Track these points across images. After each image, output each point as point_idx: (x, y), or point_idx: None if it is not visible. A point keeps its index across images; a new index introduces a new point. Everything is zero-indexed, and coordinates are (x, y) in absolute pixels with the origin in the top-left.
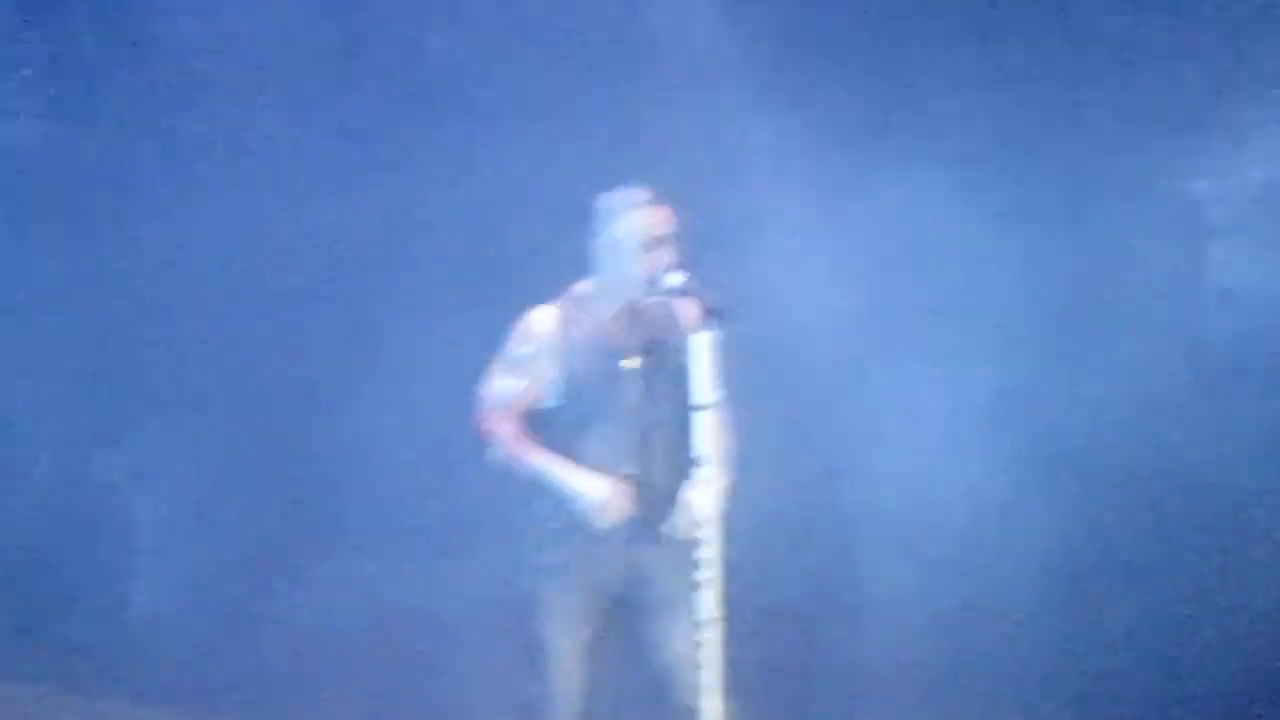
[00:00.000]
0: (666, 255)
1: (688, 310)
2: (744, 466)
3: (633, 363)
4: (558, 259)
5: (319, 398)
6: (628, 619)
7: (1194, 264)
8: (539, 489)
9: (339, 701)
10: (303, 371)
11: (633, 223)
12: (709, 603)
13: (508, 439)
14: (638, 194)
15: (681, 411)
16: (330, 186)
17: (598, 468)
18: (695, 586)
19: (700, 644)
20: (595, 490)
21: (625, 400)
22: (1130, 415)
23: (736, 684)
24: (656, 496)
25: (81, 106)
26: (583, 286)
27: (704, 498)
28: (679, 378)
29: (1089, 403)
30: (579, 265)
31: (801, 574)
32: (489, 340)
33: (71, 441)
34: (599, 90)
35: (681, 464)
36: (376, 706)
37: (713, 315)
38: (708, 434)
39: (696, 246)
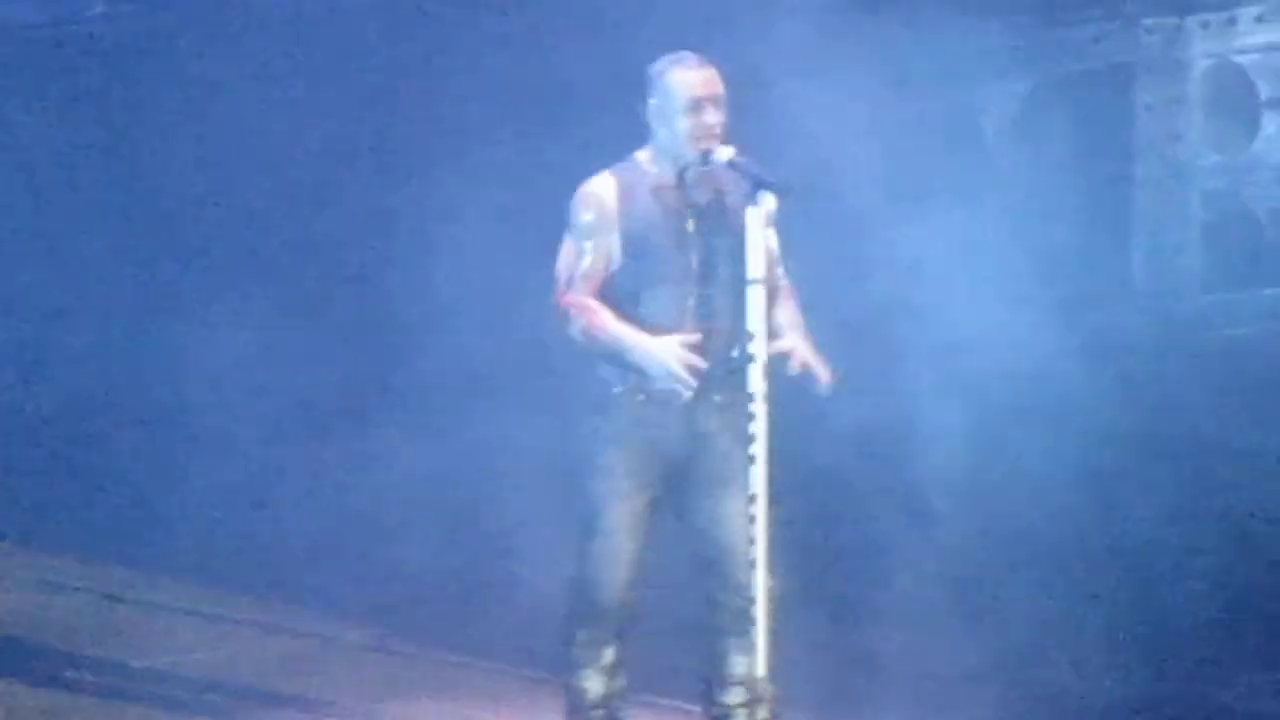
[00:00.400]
0: (713, 115)
1: (742, 182)
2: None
3: (691, 225)
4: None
5: (393, 259)
6: (684, 488)
7: None
8: (609, 355)
9: (388, 558)
10: (382, 235)
11: (679, 81)
12: (759, 476)
13: (583, 310)
14: (685, 55)
15: (740, 282)
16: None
17: (658, 330)
18: (747, 461)
19: (751, 517)
20: (665, 353)
21: (683, 263)
22: None
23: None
24: (715, 364)
25: None
26: (641, 152)
27: (755, 370)
28: (738, 246)
29: None
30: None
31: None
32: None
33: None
34: None
35: (741, 333)
36: (427, 564)
37: (765, 189)
38: (758, 308)
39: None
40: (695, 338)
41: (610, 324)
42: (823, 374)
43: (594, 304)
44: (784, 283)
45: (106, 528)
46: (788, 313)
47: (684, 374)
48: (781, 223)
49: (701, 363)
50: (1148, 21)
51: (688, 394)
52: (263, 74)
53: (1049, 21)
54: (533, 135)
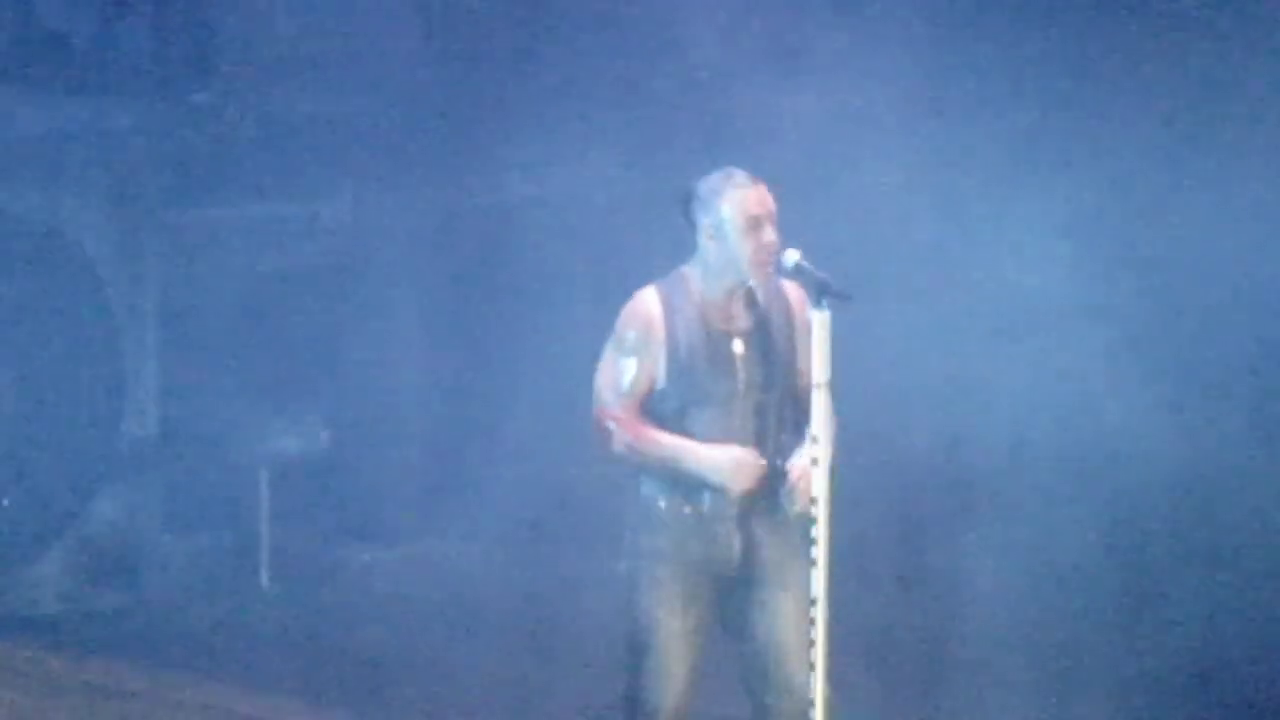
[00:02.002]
0: (770, 234)
1: (797, 290)
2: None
3: (741, 343)
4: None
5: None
6: (733, 599)
7: None
8: (650, 472)
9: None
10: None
11: (735, 202)
12: (819, 581)
13: (626, 427)
14: (736, 173)
15: (785, 394)
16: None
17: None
18: (807, 564)
19: (811, 622)
20: (728, 456)
21: (729, 383)
22: None
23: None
24: (769, 476)
25: None
26: (687, 269)
27: (816, 476)
28: (783, 360)
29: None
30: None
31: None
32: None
33: None
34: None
35: (789, 444)
36: (485, 681)
37: (827, 294)
38: (820, 412)
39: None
40: (752, 447)
41: (660, 437)
42: (797, 501)
43: (636, 420)
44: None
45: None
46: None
47: (749, 475)
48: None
49: (763, 463)
50: None
51: (738, 492)
52: None
53: None
54: None
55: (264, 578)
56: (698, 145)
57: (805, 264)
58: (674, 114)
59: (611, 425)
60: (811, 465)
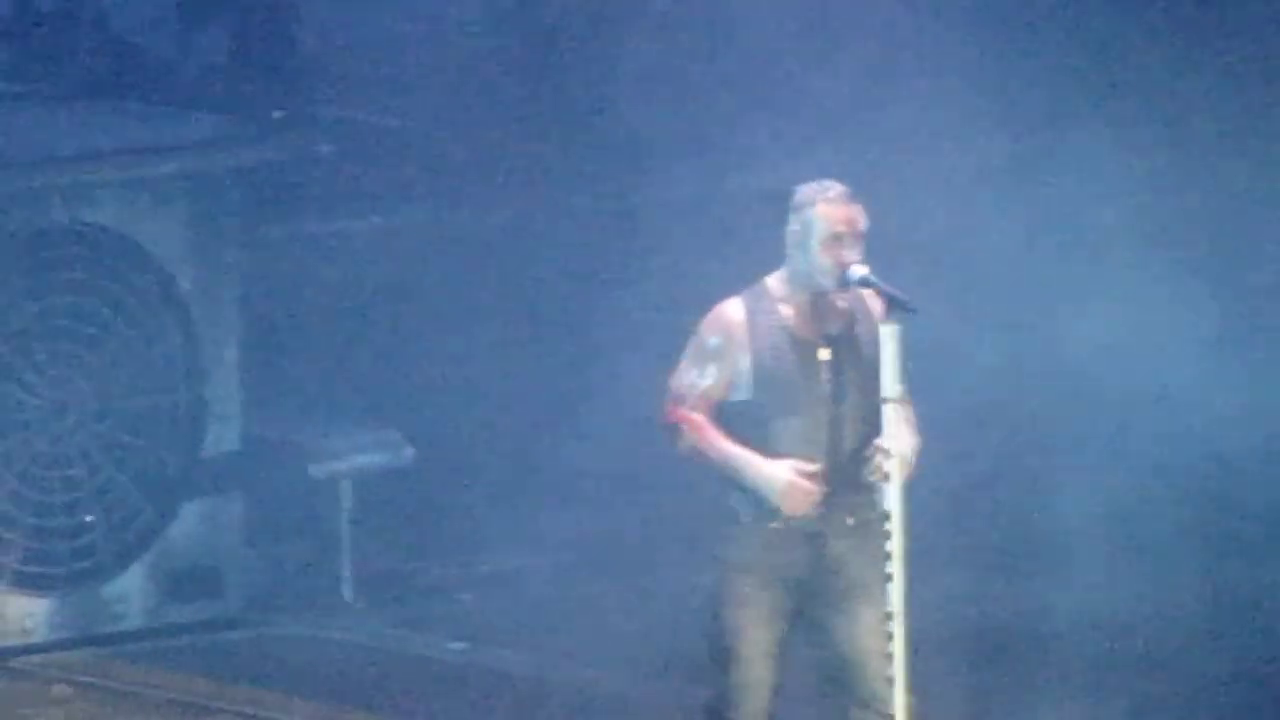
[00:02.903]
0: (853, 251)
1: (875, 303)
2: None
3: (824, 354)
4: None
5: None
6: (816, 612)
7: None
8: (730, 482)
9: None
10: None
11: (822, 214)
12: (896, 594)
13: (696, 428)
14: (832, 187)
15: (869, 404)
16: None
17: (787, 459)
18: (884, 578)
19: (889, 635)
20: (783, 476)
21: (815, 392)
22: None
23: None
24: (845, 488)
25: None
26: (772, 278)
27: (892, 489)
28: (868, 370)
29: None
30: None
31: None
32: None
33: None
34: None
35: (869, 456)
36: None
37: (898, 308)
38: (894, 426)
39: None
40: (813, 466)
41: (721, 442)
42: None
43: (703, 421)
44: (907, 399)
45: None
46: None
47: (799, 498)
48: None
49: (815, 487)
50: None
51: (804, 522)
52: None
53: None
54: None
55: (347, 591)
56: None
57: (872, 278)
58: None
59: (681, 424)
60: (884, 480)
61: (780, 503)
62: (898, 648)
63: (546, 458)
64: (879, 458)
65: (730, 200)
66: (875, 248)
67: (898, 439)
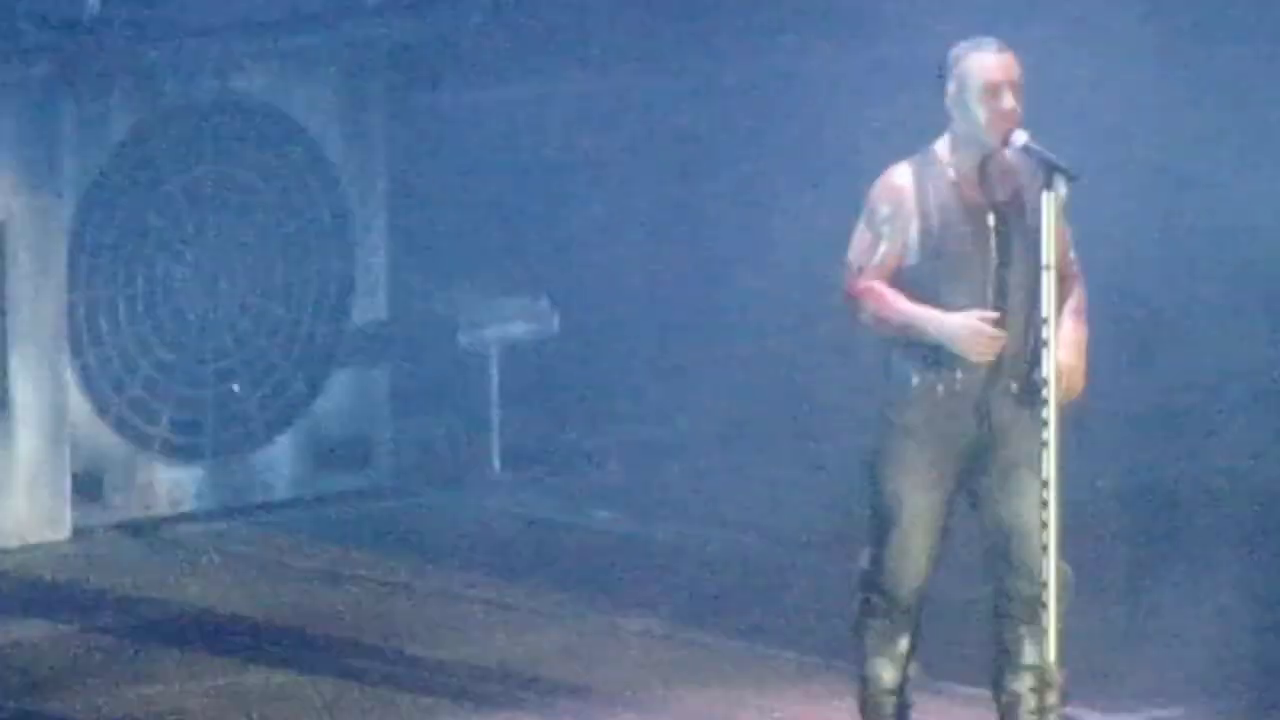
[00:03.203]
0: (1010, 101)
1: (1037, 168)
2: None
3: (991, 219)
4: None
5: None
6: (979, 478)
7: None
8: (899, 346)
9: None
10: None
11: (977, 66)
12: (1051, 462)
13: (875, 296)
14: (984, 40)
15: (1035, 270)
16: None
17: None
18: (1040, 446)
19: (1044, 503)
20: (968, 323)
21: (982, 258)
22: None
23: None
24: (1013, 354)
25: None
26: (938, 143)
27: (1049, 357)
28: (1034, 235)
29: None
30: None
31: None
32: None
33: None
34: None
35: (1036, 322)
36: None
37: (1058, 175)
38: (1052, 294)
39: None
40: (993, 314)
41: (902, 303)
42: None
43: (883, 288)
44: (1074, 269)
45: (384, 517)
46: (1073, 303)
47: (985, 343)
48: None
49: (1001, 333)
50: None
51: (987, 360)
52: None
53: None
54: None
55: (494, 461)
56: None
57: (1034, 145)
58: None
59: (860, 297)
60: (1042, 346)
61: (965, 349)
62: (1052, 516)
63: (697, 329)
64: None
65: (874, 71)
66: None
67: (1057, 307)
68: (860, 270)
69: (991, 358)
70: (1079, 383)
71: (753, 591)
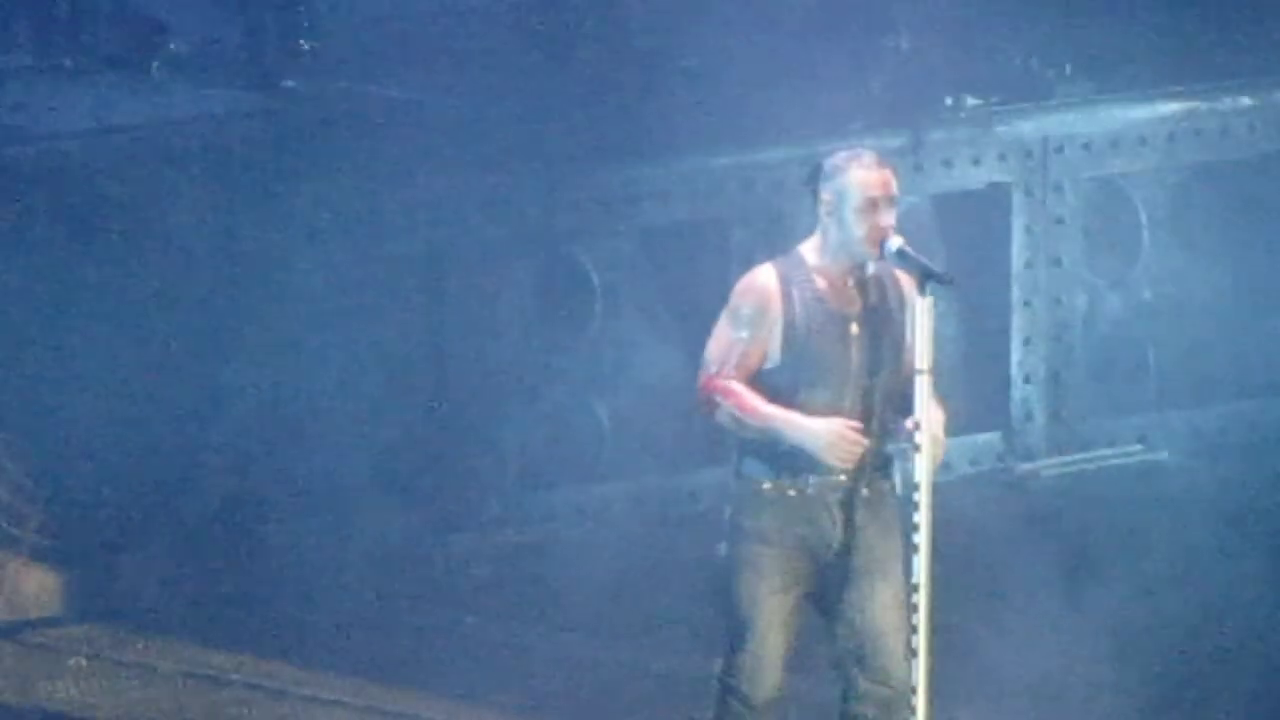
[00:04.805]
0: (887, 217)
1: (907, 276)
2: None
3: (855, 329)
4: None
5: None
6: (832, 582)
7: None
8: (752, 452)
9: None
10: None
11: (857, 181)
12: (922, 567)
13: (733, 395)
14: (862, 154)
15: (896, 377)
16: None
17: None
18: (909, 550)
19: (913, 608)
20: (832, 427)
21: (844, 365)
22: None
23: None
24: (869, 459)
25: None
26: (805, 246)
27: (922, 460)
28: (897, 343)
29: None
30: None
31: None
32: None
33: None
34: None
35: (895, 429)
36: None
37: (933, 281)
38: (925, 399)
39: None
40: (857, 422)
41: (762, 404)
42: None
43: (741, 387)
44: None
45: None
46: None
47: (847, 450)
48: None
49: (863, 440)
50: None
51: (849, 466)
52: None
53: None
54: None
55: None
56: None
57: (908, 250)
58: None
59: (717, 395)
60: (914, 451)
61: (827, 455)
62: (923, 620)
63: None
64: (911, 428)
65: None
66: None
67: (930, 415)
68: (719, 368)
69: (853, 464)
70: (939, 454)
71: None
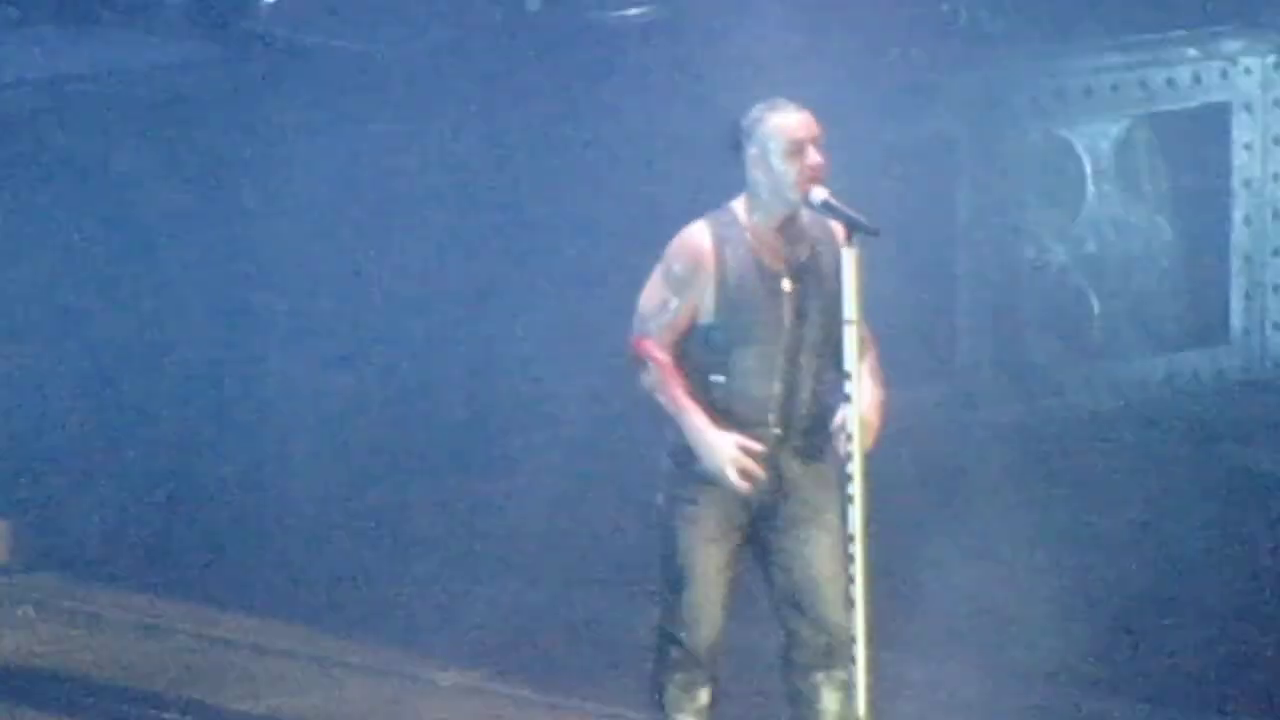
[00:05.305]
0: (811, 159)
1: (837, 227)
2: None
3: (788, 285)
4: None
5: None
6: (768, 533)
7: None
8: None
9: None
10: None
11: (778, 126)
12: (857, 518)
13: (658, 368)
14: (780, 102)
15: (829, 331)
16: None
17: (747, 385)
18: (845, 501)
19: (850, 558)
20: (726, 451)
21: (776, 321)
22: None
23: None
24: (800, 414)
25: None
26: (737, 203)
27: (854, 408)
28: (830, 296)
29: None
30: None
31: None
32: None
33: None
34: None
35: (828, 381)
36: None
37: (859, 231)
38: (852, 349)
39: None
40: (757, 447)
41: (680, 396)
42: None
43: (670, 364)
44: (867, 332)
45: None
46: (869, 363)
47: (734, 476)
48: None
49: (757, 468)
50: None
51: (741, 490)
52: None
53: None
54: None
55: None
56: None
57: (834, 201)
58: None
59: (647, 360)
60: (845, 401)
61: (717, 473)
62: (859, 569)
63: None
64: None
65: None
66: None
67: (864, 398)
68: (649, 327)
69: (741, 491)
70: (871, 440)
71: (553, 643)
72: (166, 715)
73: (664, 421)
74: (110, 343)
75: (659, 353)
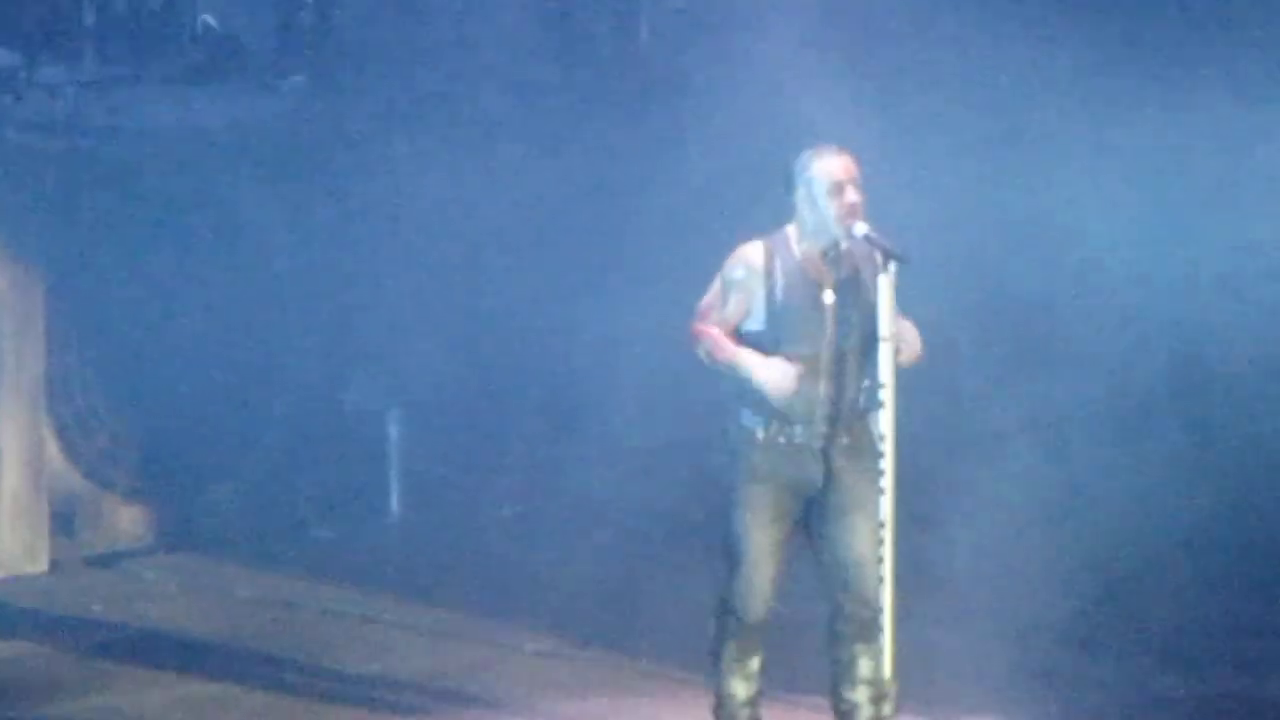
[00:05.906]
0: (851, 196)
1: (875, 255)
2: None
3: (829, 296)
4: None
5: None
6: (817, 517)
7: None
8: (750, 405)
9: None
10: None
11: (822, 170)
12: (887, 507)
13: (711, 337)
14: (824, 147)
15: (867, 341)
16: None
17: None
18: (878, 492)
19: (880, 541)
20: (775, 368)
21: (819, 328)
22: None
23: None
24: (844, 413)
25: None
26: (789, 229)
27: (886, 415)
28: (868, 311)
29: None
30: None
31: None
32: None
33: None
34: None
35: (865, 386)
36: (592, 576)
37: (893, 259)
38: (887, 364)
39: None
40: (798, 365)
41: (730, 347)
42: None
43: (719, 333)
44: (909, 331)
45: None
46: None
47: (780, 379)
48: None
49: (794, 368)
50: None
51: (785, 394)
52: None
53: None
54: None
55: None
56: None
57: (873, 234)
58: None
59: (699, 335)
60: (878, 408)
61: (766, 383)
62: (887, 552)
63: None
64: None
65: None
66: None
67: (893, 375)
68: (705, 317)
69: (790, 391)
70: (918, 344)
71: (627, 612)
72: (289, 676)
73: (725, 416)
74: (233, 358)
75: (710, 327)
